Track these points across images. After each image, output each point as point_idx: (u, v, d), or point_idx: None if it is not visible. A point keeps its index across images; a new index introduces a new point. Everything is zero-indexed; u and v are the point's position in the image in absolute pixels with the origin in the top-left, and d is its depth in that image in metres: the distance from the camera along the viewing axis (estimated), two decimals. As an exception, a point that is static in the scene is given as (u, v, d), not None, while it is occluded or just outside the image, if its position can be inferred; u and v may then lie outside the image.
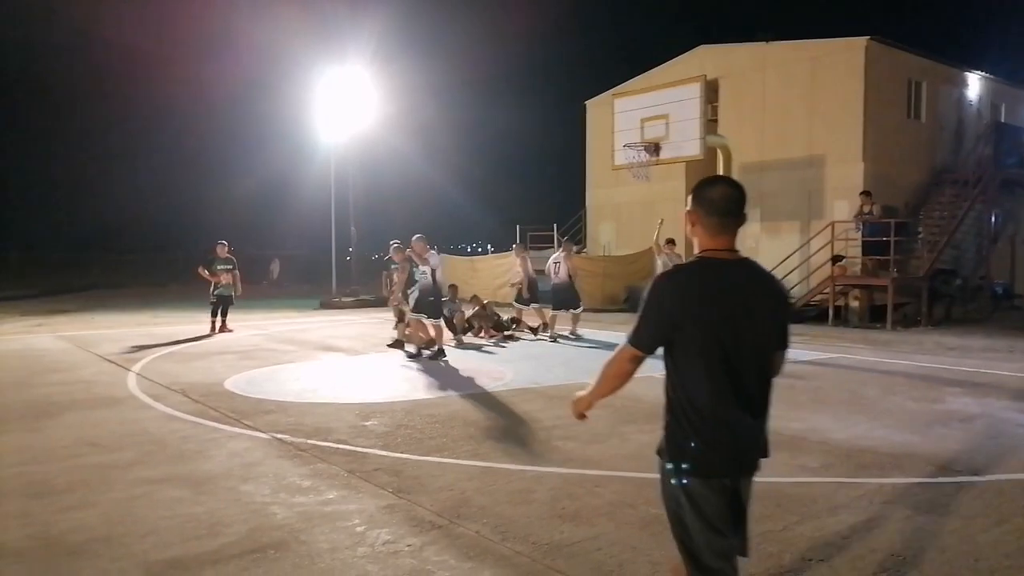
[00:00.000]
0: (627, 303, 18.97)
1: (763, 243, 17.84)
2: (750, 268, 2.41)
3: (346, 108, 21.65)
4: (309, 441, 5.81)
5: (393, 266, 12.02)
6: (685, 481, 2.35)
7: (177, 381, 8.44)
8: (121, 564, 3.53)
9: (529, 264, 13.31)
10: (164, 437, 5.99)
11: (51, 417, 6.71)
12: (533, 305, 13.26)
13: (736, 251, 2.41)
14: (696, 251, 2.44)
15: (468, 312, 13.02)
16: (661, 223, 11.72)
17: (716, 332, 2.30)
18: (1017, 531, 3.98)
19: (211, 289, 13.60)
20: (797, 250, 16.72)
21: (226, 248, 13.85)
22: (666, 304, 2.35)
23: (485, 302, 13.43)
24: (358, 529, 4.00)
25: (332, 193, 23.59)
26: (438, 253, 11.09)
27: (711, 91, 13.22)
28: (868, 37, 16.30)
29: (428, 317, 10.39)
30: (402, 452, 5.53)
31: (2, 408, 7.06)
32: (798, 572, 3.47)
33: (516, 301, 13.59)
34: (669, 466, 2.40)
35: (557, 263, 12.55)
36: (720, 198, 2.41)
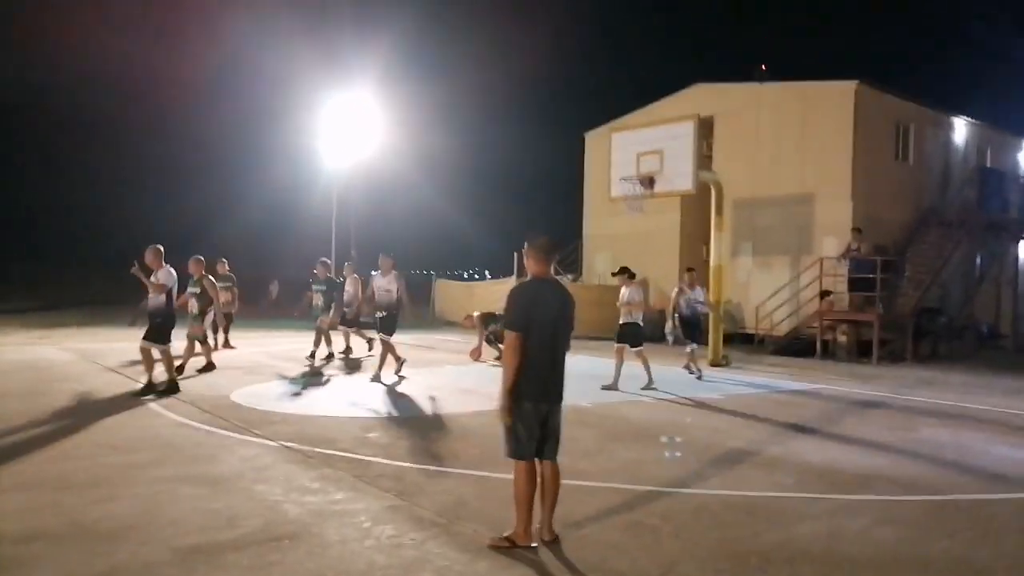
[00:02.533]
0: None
1: (754, 276, 18.29)
2: (556, 284, 4.25)
3: (349, 133, 22.21)
4: (315, 449, 6.16)
5: (316, 286, 12.54)
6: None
7: (185, 392, 8.77)
8: (149, 548, 3.87)
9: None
10: (177, 442, 6.33)
11: (66, 422, 7.04)
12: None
13: (549, 273, 4.22)
14: (529, 275, 4.23)
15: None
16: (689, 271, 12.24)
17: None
18: (966, 542, 4.34)
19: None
20: (787, 284, 17.17)
21: (226, 266, 14.20)
22: (524, 302, 4.06)
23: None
24: (364, 525, 4.35)
25: (334, 217, 24.12)
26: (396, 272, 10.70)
27: (706, 127, 13.78)
28: (858, 81, 16.93)
29: (382, 332, 10.40)
30: (403, 461, 5.88)
31: (18, 413, 7.38)
32: (762, 571, 3.83)
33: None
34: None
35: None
36: (543, 245, 4.19)
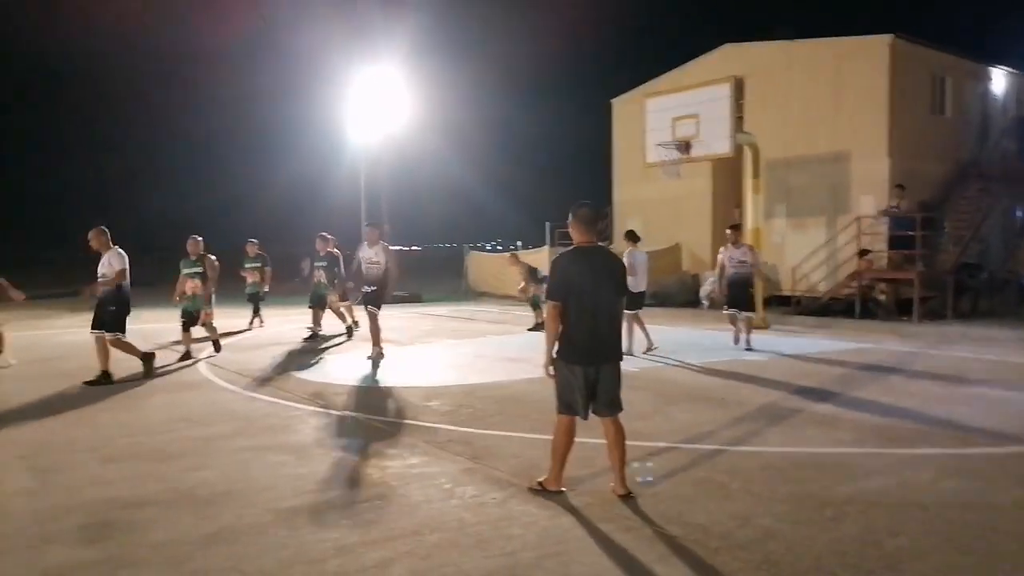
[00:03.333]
0: (654, 297, 19.42)
1: (789, 238, 18.19)
2: (603, 252, 4.46)
3: (377, 108, 22.27)
4: (382, 418, 6.39)
5: (317, 262, 12.29)
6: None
7: (245, 368, 9.07)
8: (251, 511, 4.12)
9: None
10: (249, 414, 6.60)
11: (139, 398, 7.35)
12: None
13: (595, 242, 4.42)
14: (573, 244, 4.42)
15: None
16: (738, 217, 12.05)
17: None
18: (1034, 490, 4.44)
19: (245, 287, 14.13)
20: (823, 245, 17.07)
21: (256, 246, 14.16)
22: (562, 273, 4.30)
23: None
24: (446, 486, 4.57)
25: (362, 192, 24.28)
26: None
27: (739, 89, 13.62)
28: (893, 35, 16.59)
29: (370, 306, 9.78)
30: (468, 427, 6.08)
31: (92, 392, 7.71)
32: (838, 521, 3.97)
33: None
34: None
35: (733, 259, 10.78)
36: (584, 215, 4.42)
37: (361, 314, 12.35)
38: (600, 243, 4.45)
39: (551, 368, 4.31)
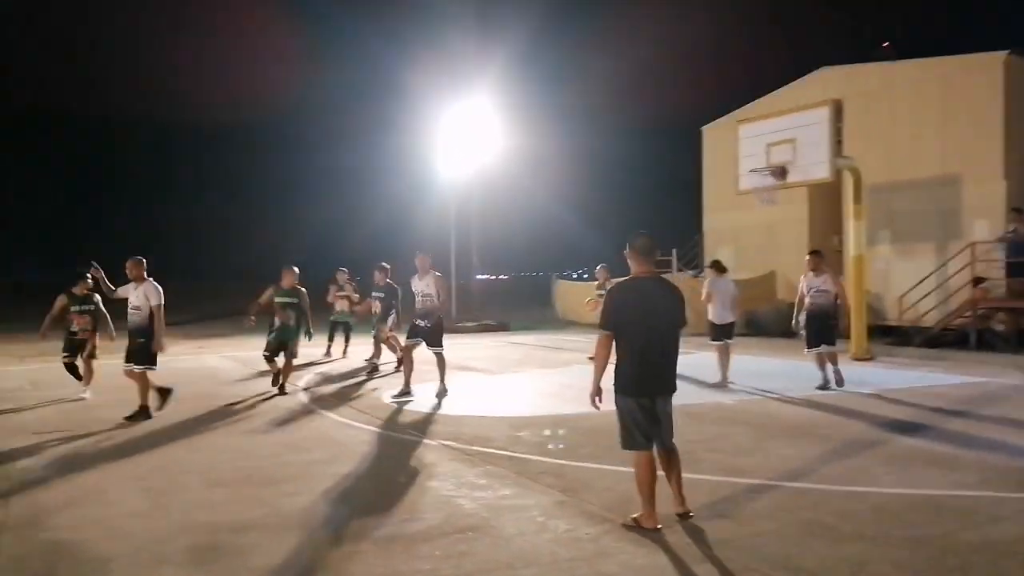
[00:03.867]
0: (748, 327, 18.79)
1: (894, 265, 17.28)
2: (660, 282, 4.42)
3: (467, 140, 22.78)
4: (473, 447, 6.40)
5: (375, 292, 11.62)
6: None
7: (341, 395, 9.33)
8: (349, 537, 4.19)
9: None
10: (346, 441, 6.76)
11: (248, 424, 7.66)
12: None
13: (653, 272, 4.41)
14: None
15: None
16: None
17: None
18: None
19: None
20: (932, 272, 16.09)
21: (346, 275, 14.34)
22: (615, 303, 4.29)
23: None
24: (538, 519, 4.50)
25: (453, 222, 24.79)
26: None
27: (837, 113, 13.13)
28: (1008, 51, 15.66)
29: (432, 347, 9.27)
30: (559, 459, 6.01)
31: (209, 416, 8.09)
32: (965, 572, 3.66)
33: None
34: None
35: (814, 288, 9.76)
36: (642, 245, 4.37)
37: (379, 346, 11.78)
38: (660, 273, 4.50)
39: (598, 399, 4.31)
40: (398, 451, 6.34)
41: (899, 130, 17.27)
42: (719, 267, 10.45)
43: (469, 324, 21.40)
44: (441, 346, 9.31)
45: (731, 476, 5.43)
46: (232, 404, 8.79)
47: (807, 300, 9.77)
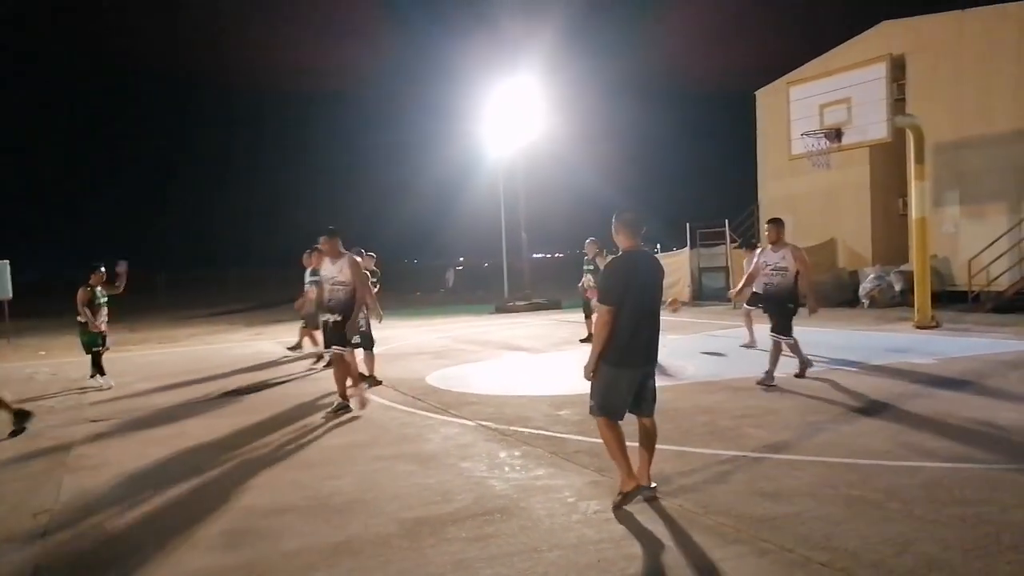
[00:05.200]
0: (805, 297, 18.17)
1: (964, 227, 16.41)
2: (648, 256, 4.49)
3: (514, 118, 22.57)
4: (511, 428, 6.35)
5: (310, 279, 10.69)
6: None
7: (385, 377, 9.40)
8: (378, 520, 4.20)
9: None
10: (386, 423, 6.80)
11: (292, 407, 7.79)
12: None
13: (641, 246, 4.41)
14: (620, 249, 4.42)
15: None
16: None
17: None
18: None
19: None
20: (1005, 233, 15.22)
21: (373, 260, 14.35)
22: (620, 277, 4.27)
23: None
24: (569, 500, 4.43)
25: (502, 201, 24.69)
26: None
27: (897, 69, 12.43)
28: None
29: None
30: (597, 438, 5.87)
31: (256, 400, 8.29)
32: (1021, 551, 3.42)
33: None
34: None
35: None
36: (630, 220, 4.39)
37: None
38: (644, 248, 4.50)
39: (592, 371, 4.28)
40: (436, 432, 6.34)
41: (967, 83, 16.29)
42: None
43: (520, 303, 21.37)
44: (345, 346, 7.30)
45: (775, 452, 5.24)
46: (284, 388, 8.97)
47: (761, 279, 8.32)
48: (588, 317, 12.25)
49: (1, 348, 15.13)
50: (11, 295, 15.90)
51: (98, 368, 9.53)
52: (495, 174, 24.60)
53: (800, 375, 8.03)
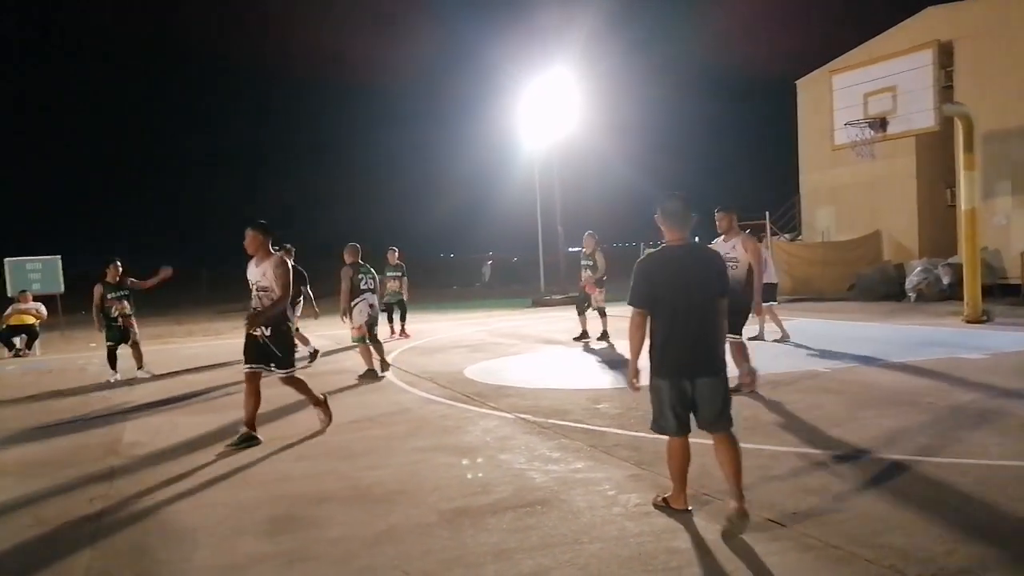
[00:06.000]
0: (852, 291, 17.82)
1: (1016, 218, 15.90)
2: (697, 250, 4.01)
3: (550, 110, 22.48)
4: (549, 421, 6.36)
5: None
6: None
7: (424, 370, 9.49)
8: (419, 511, 4.24)
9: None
10: (426, 415, 6.86)
11: (333, 399, 7.87)
12: None
13: (686, 239, 3.93)
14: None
15: None
16: None
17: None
18: None
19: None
20: (1060, 224, 14.71)
21: (396, 254, 13.79)
22: (646, 276, 3.91)
23: None
24: (609, 493, 4.42)
25: (537, 195, 24.64)
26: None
27: (944, 55, 12.05)
28: None
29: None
30: (637, 431, 5.87)
31: (291, 391, 8.41)
32: (1078, 552, 3.31)
33: None
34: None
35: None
36: (673, 209, 3.91)
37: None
38: (692, 241, 3.98)
39: (635, 381, 4.02)
40: (475, 424, 6.38)
41: (1019, 70, 15.76)
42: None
43: (556, 296, 21.33)
44: (292, 366, 6.27)
45: (820, 448, 5.15)
46: (325, 380, 9.10)
47: None
48: (581, 314, 11.93)
49: (54, 340, 15.62)
50: (63, 289, 16.40)
51: (111, 361, 9.67)
52: (531, 167, 24.55)
53: (736, 389, 6.37)
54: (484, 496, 4.45)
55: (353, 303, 9.02)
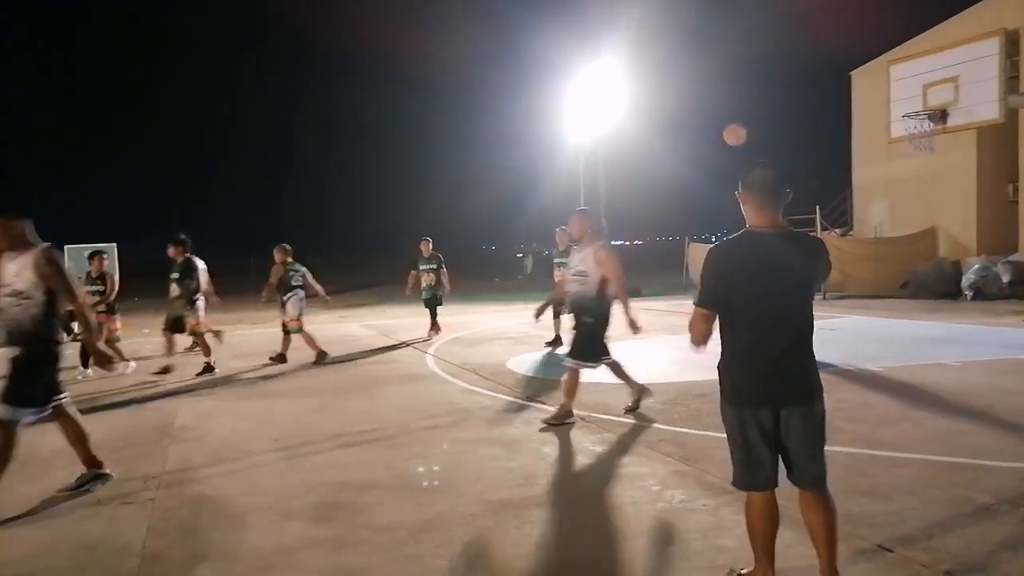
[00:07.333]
0: (905, 288, 17.32)
1: (1083, 215, 15.25)
2: (790, 237, 2.88)
3: (596, 103, 22.30)
4: (592, 415, 6.34)
5: (173, 275, 9.55)
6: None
7: (467, 362, 9.54)
8: (464, 501, 4.27)
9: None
10: (468, 407, 6.90)
11: (379, 389, 8.02)
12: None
13: (776, 222, 2.88)
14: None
15: None
16: None
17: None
18: None
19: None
20: None
21: (430, 246, 13.08)
22: (719, 268, 2.90)
23: None
24: (654, 488, 4.38)
25: (581, 188, 24.51)
26: None
27: (1011, 44, 11.58)
28: None
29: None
30: (681, 427, 5.82)
31: (343, 380, 8.57)
32: None
33: None
34: None
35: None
36: (760, 180, 2.88)
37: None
38: (786, 225, 2.92)
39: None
40: (518, 417, 6.40)
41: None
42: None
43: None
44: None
45: (873, 448, 5.03)
46: (370, 370, 9.23)
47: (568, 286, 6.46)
48: (557, 317, 11.08)
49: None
50: (117, 277, 16.96)
51: (83, 359, 9.17)
52: (575, 160, 24.42)
53: (549, 422, 5.99)
54: (527, 488, 4.46)
55: (286, 297, 10.08)
